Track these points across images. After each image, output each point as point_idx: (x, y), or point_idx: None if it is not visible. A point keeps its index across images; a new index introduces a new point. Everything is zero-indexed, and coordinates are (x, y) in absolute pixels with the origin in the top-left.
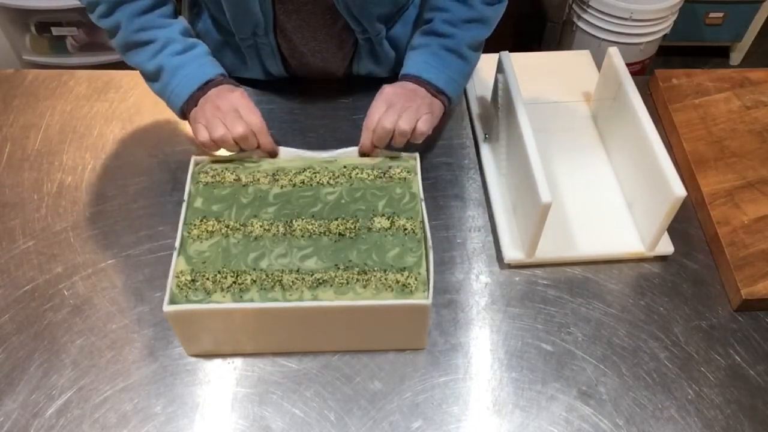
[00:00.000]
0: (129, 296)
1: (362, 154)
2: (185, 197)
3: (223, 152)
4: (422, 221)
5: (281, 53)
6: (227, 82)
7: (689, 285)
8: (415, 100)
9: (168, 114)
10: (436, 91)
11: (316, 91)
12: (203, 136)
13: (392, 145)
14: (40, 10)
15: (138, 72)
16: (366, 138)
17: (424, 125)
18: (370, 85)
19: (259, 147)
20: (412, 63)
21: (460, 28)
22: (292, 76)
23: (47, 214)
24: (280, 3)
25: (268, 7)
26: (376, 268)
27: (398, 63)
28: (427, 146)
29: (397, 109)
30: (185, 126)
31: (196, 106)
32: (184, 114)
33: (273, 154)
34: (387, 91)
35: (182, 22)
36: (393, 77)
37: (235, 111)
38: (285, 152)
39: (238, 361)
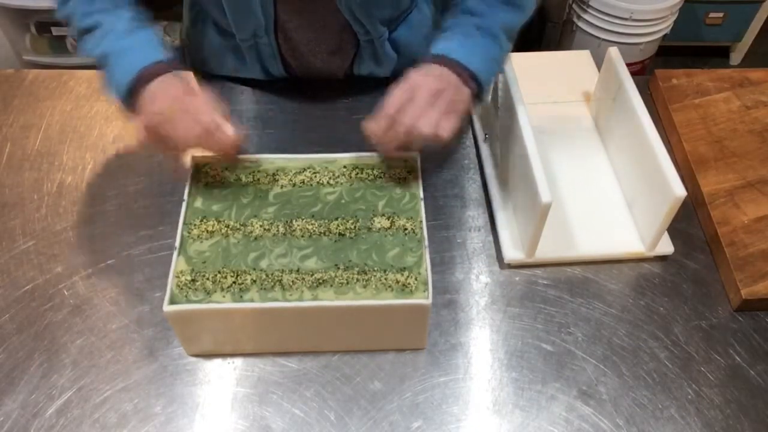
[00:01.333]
0: (129, 296)
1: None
2: (185, 197)
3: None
4: (421, 221)
5: (281, 54)
6: (173, 68)
7: (689, 285)
8: (441, 95)
9: None
10: (467, 76)
11: (316, 91)
12: (142, 137)
13: (406, 147)
14: (40, 10)
15: None
16: (378, 126)
17: (446, 131)
18: (371, 86)
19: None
20: (441, 43)
21: (494, 8)
22: (292, 77)
23: (47, 214)
24: (281, 3)
25: (269, 8)
26: (376, 268)
27: (400, 64)
28: (426, 147)
29: (419, 103)
30: None
31: (138, 95)
32: (128, 105)
33: (236, 148)
34: (413, 78)
35: (134, 8)
36: (394, 78)
37: (182, 111)
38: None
39: (238, 361)
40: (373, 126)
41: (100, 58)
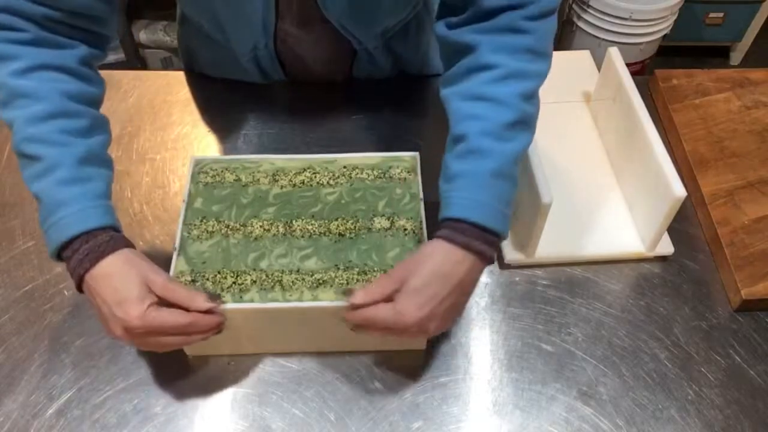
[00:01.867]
0: None
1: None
2: (185, 197)
3: (222, 154)
4: (421, 221)
5: (281, 61)
6: (113, 245)
7: (689, 285)
8: (451, 286)
9: (167, 114)
10: (485, 242)
11: (315, 92)
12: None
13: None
14: None
15: (138, 72)
16: (364, 298)
17: (440, 330)
18: (370, 86)
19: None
20: (456, 201)
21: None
22: (291, 80)
23: None
24: (281, 20)
25: (270, 26)
26: (376, 269)
27: (396, 67)
28: (426, 146)
29: (425, 299)
30: (185, 127)
31: (71, 262)
32: (59, 259)
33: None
34: (428, 265)
35: (88, 143)
36: (392, 78)
37: (115, 304)
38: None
39: (238, 362)
40: (357, 296)
41: (35, 196)
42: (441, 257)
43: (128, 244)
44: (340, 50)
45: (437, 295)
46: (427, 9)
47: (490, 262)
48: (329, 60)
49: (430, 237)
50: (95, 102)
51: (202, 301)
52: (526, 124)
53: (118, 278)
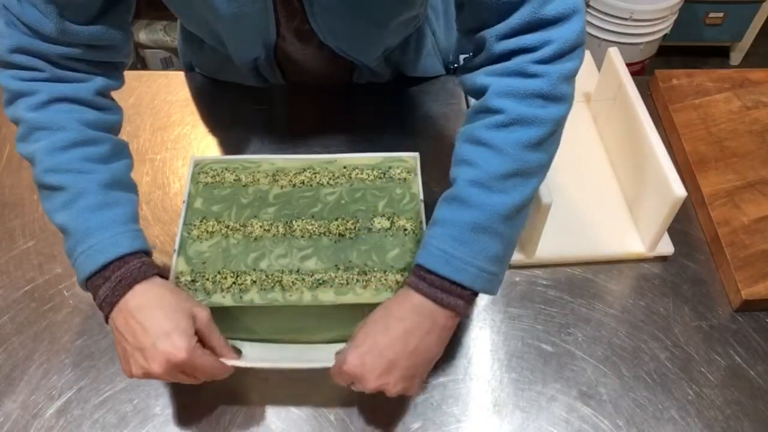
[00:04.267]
0: None
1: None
2: (185, 197)
3: (222, 154)
4: (421, 221)
5: (281, 69)
6: (145, 271)
7: (689, 285)
8: (400, 332)
9: (167, 114)
10: (454, 295)
11: (315, 93)
12: (124, 371)
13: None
14: None
15: (138, 72)
16: (336, 371)
17: (408, 392)
18: (370, 90)
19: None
20: (428, 249)
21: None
22: (291, 84)
23: None
24: (280, 37)
25: (270, 42)
26: (376, 269)
27: (397, 73)
28: (426, 146)
29: (388, 363)
30: (185, 127)
31: (101, 290)
32: (88, 288)
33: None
34: (379, 312)
35: (111, 168)
36: (391, 81)
37: (162, 335)
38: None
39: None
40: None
41: (60, 227)
42: (396, 304)
43: (159, 271)
44: (340, 65)
45: (377, 342)
46: (427, 19)
47: (463, 316)
48: (330, 71)
49: None
50: (114, 129)
51: (229, 356)
52: (526, 175)
53: (164, 308)
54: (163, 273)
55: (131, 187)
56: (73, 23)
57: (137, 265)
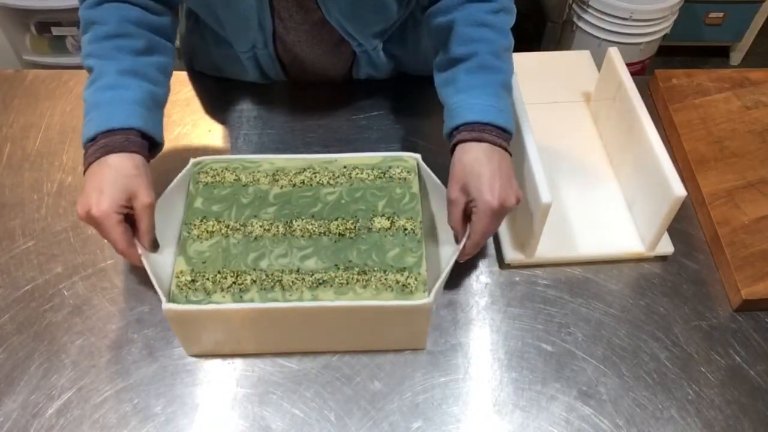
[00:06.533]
0: (129, 296)
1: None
2: (185, 197)
3: (223, 153)
4: (421, 221)
5: (281, 61)
6: (125, 145)
7: (689, 285)
8: (497, 162)
9: (167, 114)
10: (504, 139)
11: (316, 92)
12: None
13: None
14: (40, 10)
15: None
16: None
17: (515, 198)
18: (370, 86)
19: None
20: (476, 108)
21: (504, 60)
22: (292, 80)
23: (47, 214)
24: (278, 19)
25: (267, 23)
26: (376, 269)
27: (395, 69)
28: (426, 147)
29: (505, 180)
30: (185, 126)
31: (89, 151)
32: (85, 150)
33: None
34: (467, 161)
35: (136, 60)
36: (391, 80)
37: (96, 189)
38: None
39: (238, 361)
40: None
41: (84, 101)
42: (475, 153)
43: (143, 150)
44: (339, 52)
45: (494, 172)
46: (422, 7)
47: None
48: (329, 62)
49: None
50: (159, 30)
51: (143, 245)
52: (511, 50)
53: (114, 174)
54: (149, 156)
55: (153, 80)
56: None
57: (120, 139)
